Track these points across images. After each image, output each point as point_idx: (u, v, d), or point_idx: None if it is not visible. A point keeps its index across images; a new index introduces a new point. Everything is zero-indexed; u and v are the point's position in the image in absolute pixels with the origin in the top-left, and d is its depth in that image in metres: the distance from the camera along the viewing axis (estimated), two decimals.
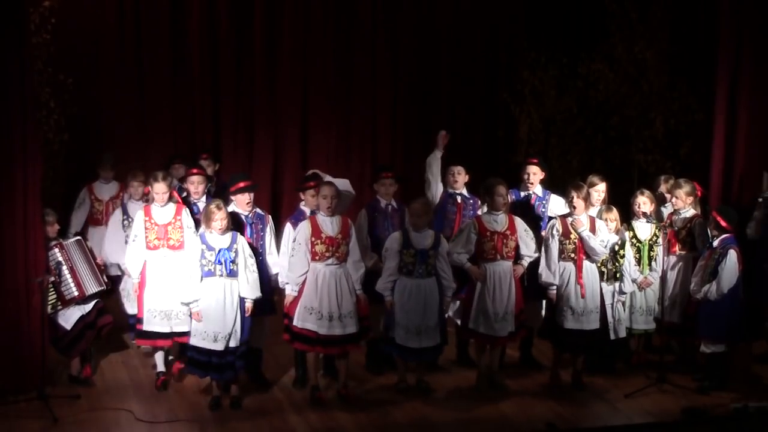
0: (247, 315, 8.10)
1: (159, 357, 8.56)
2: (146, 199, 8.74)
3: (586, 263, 8.49)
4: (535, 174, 9.30)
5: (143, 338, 8.49)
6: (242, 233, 8.28)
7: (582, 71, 12.56)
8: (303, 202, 8.85)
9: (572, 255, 8.49)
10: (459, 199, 9.32)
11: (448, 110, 14.14)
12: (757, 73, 9.90)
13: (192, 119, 13.29)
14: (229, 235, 8.06)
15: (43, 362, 7.97)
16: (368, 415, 8.02)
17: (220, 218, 7.98)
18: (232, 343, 8.02)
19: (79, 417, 7.84)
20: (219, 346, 7.97)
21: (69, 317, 8.30)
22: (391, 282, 8.32)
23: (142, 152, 12.89)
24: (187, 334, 8.15)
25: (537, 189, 9.30)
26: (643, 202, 8.97)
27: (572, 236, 8.48)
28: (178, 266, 8.19)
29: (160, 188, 8.38)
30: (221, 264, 7.99)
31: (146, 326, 8.36)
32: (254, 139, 13.54)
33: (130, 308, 8.86)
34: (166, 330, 8.35)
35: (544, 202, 9.26)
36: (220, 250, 7.98)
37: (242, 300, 8.09)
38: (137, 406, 8.07)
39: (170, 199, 8.50)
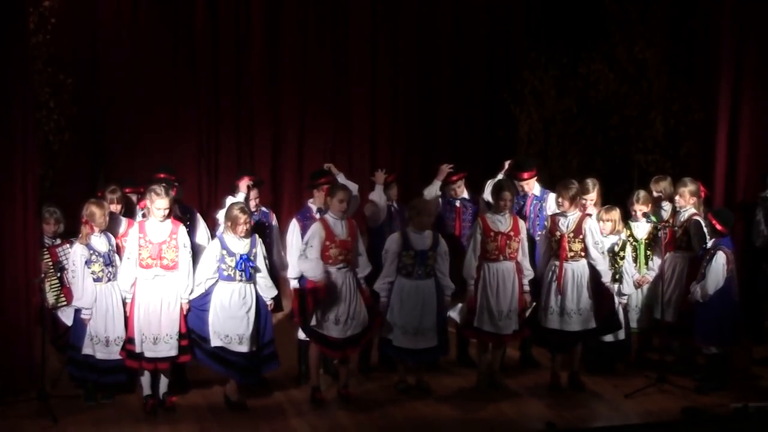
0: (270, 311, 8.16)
1: (145, 380, 8.06)
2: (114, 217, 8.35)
3: (571, 263, 8.47)
4: (528, 184, 9.19)
5: (131, 359, 7.96)
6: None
7: (582, 71, 12.57)
8: (312, 199, 8.83)
9: (553, 253, 8.51)
10: (458, 203, 9.28)
11: (448, 110, 14.16)
12: (760, 71, 9.91)
13: (192, 119, 13.30)
14: (248, 240, 8.01)
15: (43, 362, 7.96)
16: (368, 415, 8.01)
17: (245, 222, 7.92)
18: (254, 347, 7.99)
19: (79, 417, 7.84)
20: (244, 348, 7.94)
21: (71, 314, 8.27)
22: (388, 284, 8.31)
23: (142, 152, 12.90)
24: (175, 358, 7.99)
25: (535, 189, 9.25)
26: (640, 209, 8.99)
27: (557, 234, 8.48)
28: (169, 287, 7.95)
29: (162, 204, 7.93)
30: (242, 270, 7.94)
31: (138, 348, 7.90)
32: (254, 138, 13.55)
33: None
34: (152, 355, 7.93)
35: (541, 202, 9.22)
36: (241, 256, 7.93)
37: (261, 301, 8.08)
38: (136, 405, 8.06)
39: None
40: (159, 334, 7.92)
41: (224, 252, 7.91)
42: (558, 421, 7.76)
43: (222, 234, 8.05)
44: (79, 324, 8.05)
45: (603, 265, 8.51)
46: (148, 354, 7.91)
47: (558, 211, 8.63)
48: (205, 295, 7.97)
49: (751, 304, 9.27)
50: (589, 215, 8.70)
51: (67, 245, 8.29)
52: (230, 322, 7.89)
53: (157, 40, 12.99)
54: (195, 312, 7.99)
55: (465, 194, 9.35)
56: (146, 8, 12.94)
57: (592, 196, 8.98)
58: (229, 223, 7.95)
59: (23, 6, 8.54)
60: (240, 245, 7.95)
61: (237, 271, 7.91)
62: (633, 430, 7.92)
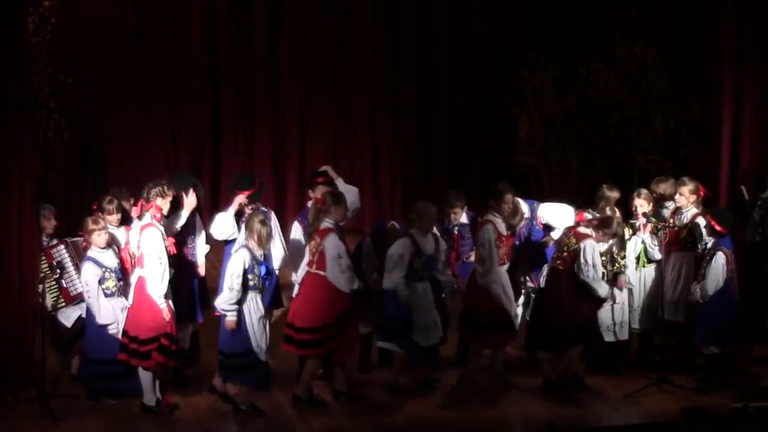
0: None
1: (149, 383, 7.95)
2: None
3: None
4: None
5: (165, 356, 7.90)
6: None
7: (582, 71, 12.57)
8: (311, 200, 8.82)
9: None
10: (456, 230, 9.21)
11: (448, 110, 14.17)
12: (761, 70, 9.91)
13: (192, 119, 13.31)
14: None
15: (43, 362, 7.96)
16: (368, 415, 8.01)
17: (268, 234, 7.88)
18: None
19: (79, 417, 7.84)
20: (268, 358, 7.94)
21: (69, 315, 8.27)
22: (401, 279, 8.28)
23: (142, 152, 12.91)
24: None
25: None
26: (641, 204, 8.98)
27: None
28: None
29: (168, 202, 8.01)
30: (264, 278, 7.92)
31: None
32: (254, 138, 13.57)
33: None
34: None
35: (531, 220, 9.14)
36: (262, 266, 7.92)
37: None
38: (137, 405, 8.05)
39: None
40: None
41: (254, 263, 7.85)
42: (558, 421, 7.76)
43: (246, 244, 7.94)
44: (95, 335, 8.01)
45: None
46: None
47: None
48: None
49: (750, 304, 9.26)
50: (614, 211, 8.82)
51: (62, 246, 8.29)
52: (257, 331, 7.88)
53: (157, 40, 13.00)
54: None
55: (464, 218, 9.21)
56: (146, 8, 12.95)
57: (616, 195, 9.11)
58: (258, 241, 7.87)
59: (23, 6, 8.54)
60: (259, 255, 7.92)
61: (261, 280, 7.90)
62: (633, 430, 7.93)
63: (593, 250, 8.30)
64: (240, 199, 8.46)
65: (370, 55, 13.86)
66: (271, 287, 8.23)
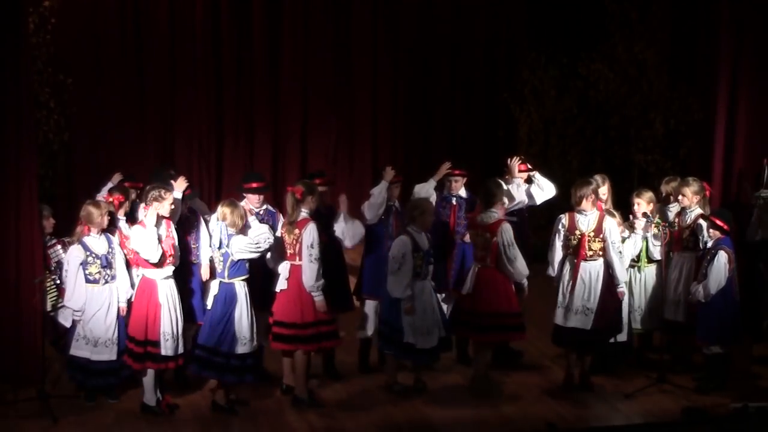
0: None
1: (150, 383, 7.90)
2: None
3: (589, 262, 8.44)
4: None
5: (157, 362, 7.84)
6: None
7: (582, 71, 12.59)
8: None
9: (571, 251, 8.47)
10: (454, 200, 9.25)
11: (448, 110, 14.17)
12: (757, 70, 9.92)
13: (192, 119, 13.31)
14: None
15: (43, 362, 7.96)
16: (368, 415, 8.01)
17: (241, 215, 7.81)
18: (254, 343, 7.95)
19: (79, 417, 7.85)
20: (247, 349, 7.86)
21: (68, 316, 8.26)
22: (410, 287, 8.24)
23: (142, 152, 12.90)
24: (174, 358, 7.90)
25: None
26: (638, 203, 8.97)
27: (577, 233, 8.45)
28: (172, 285, 7.90)
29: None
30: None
31: (164, 350, 7.80)
32: (254, 139, 13.57)
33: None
34: (173, 353, 7.88)
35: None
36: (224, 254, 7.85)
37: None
38: (136, 405, 8.06)
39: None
40: (175, 332, 7.89)
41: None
42: (558, 421, 7.77)
43: (226, 233, 7.95)
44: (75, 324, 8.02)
45: (618, 266, 8.45)
46: (172, 353, 7.84)
47: (576, 210, 8.56)
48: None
49: (749, 303, 9.27)
50: (613, 215, 8.69)
51: (59, 246, 8.29)
52: (239, 322, 7.82)
53: (157, 40, 12.99)
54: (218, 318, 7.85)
55: (463, 192, 9.32)
56: (146, 8, 12.95)
57: (603, 190, 8.95)
58: (222, 218, 7.85)
59: (23, 6, 8.55)
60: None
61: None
62: (633, 430, 7.93)
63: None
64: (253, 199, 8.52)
65: (370, 55, 13.86)
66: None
